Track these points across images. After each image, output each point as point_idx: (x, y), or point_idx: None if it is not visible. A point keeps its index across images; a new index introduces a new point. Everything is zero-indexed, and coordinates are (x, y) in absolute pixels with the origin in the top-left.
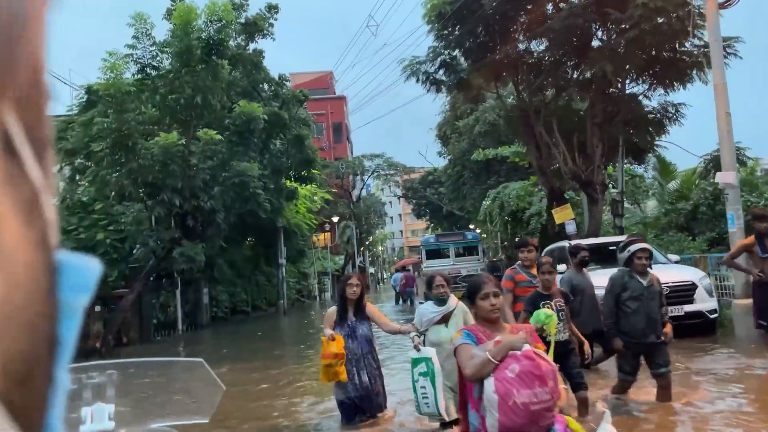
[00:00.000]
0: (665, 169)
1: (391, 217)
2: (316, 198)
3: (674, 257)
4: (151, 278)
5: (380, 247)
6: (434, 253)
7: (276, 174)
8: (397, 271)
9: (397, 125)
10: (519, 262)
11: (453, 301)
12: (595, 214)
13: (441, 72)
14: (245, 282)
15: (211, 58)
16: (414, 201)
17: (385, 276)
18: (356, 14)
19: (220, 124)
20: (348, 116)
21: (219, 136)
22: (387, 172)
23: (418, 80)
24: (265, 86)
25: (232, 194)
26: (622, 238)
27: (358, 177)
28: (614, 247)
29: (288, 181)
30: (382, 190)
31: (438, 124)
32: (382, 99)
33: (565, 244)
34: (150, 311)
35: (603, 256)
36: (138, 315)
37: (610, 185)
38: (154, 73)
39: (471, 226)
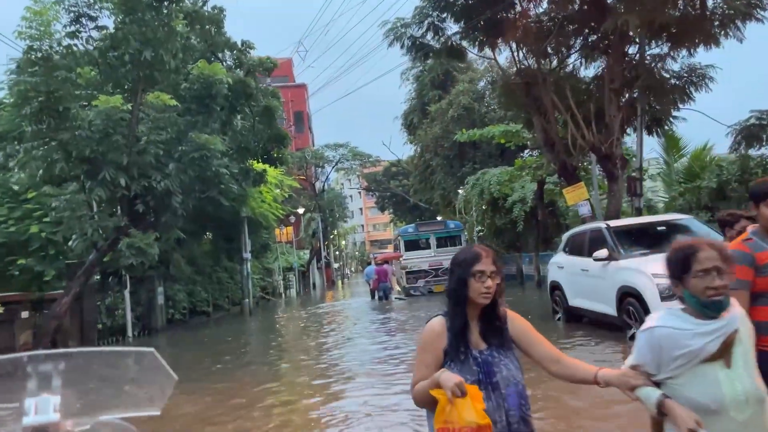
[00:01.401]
0: (673, 145)
1: (352, 212)
2: (282, 185)
3: None
4: (95, 276)
5: (343, 242)
6: (414, 244)
7: (241, 153)
8: (377, 264)
9: (359, 116)
10: (752, 228)
11: (736, 308)
12: (615, 193)
13: (429, 36)
14: (205, 279)
15: (162, 4)
16: (377, 194)
17: (348, 271)
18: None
19: (176, 90)
20: (309, 105)
21: (174, 102)
22: (352, 163)
23: (402, 46)
24: (227, 54)
25: (191, 173)
26: (673, 216)
27: (321, 169)
28: (663, 228)
29: (255, 162)
30: (342, 184)
31: (404, 112)
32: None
33: (602, 224)
34: (94, 315)
35: (650, 239)
36: (78, 320)
37: (632, 159)
38: (91, 24)
39: (438, 218)
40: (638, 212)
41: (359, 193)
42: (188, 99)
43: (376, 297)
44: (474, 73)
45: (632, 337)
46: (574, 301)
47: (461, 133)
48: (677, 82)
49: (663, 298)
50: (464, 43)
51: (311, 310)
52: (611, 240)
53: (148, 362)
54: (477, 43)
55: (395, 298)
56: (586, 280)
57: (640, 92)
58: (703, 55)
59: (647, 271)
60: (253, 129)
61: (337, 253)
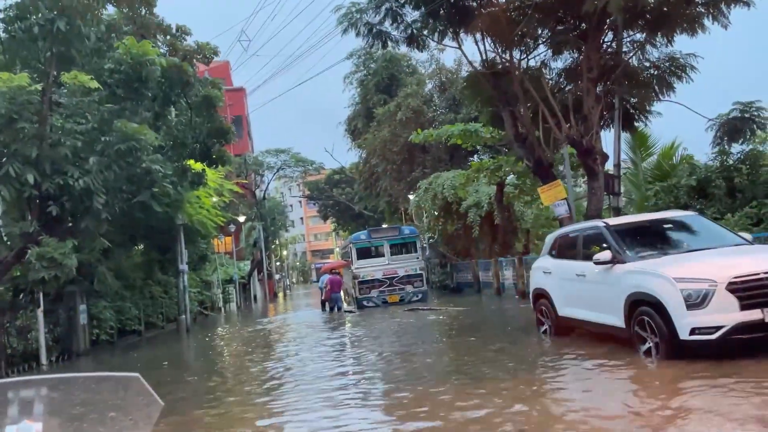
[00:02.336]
0: (642, 143)
1: (293, 221)
2: (222, 189)
3: (746, 235)
4: None
5: (285, 252)
6: (366, 252)
7: (177, 150)
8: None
9: (301, 123)
10: None
11: None
12: (596, 191)
13: (387, 24)
14: (136, 294)
15: None
16: (320, 202)
17: (289, 283)
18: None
19: (98, 72)
20: (248, 109)
21: (96, 84)
22: (294, 170)
23: (358, 33)
24: (159, 40)
25: (117, 169)
26: (676, 213)
27: (261, 177)
28: (669, 226)
29: (193, 162)
30: (282, 193)
31: (348, 117)
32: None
33: (599, 223)
34: (1, 339)
35: (656, 238)
36: None
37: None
38: None
39: (384, 226)
40: (616, 212)
41: (300, 202)
42: (113, 82)
43: (327, 308)
44: (421, 76)
45: (648, 353)
46: (566, 311)
47: (416, 134)
48: (657, 72)
49: (690, 306)
50: (425, 32)
51: (255, 326)
52: (614, 240)
53: (133, 388)
54: (438, 33)
55: (346, 311)
56: (582, 286)
57: (618, 83)
58: (685, 45)
59: (668, 274)
60: (190, 122)
61: (278, 263)
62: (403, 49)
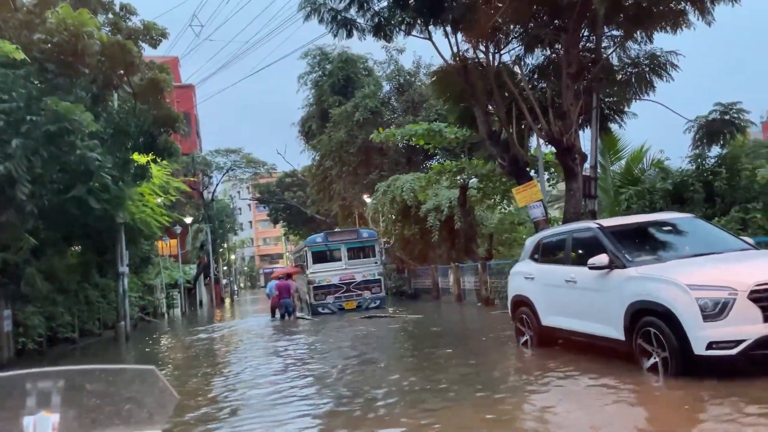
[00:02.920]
0: (611, 146)
1: (242, 224)
2: (168, 187)
3: (749, 240)
4: None
5: (233, 256)
6: (322, 255)
7: (118, 139)
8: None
9: (252, 125)
10: None
11: None
12: (575, 193)
13: (353, 11)
14: (70, 299)
15: None
16: (270, 205)
17: (236, 288)
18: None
19: (27, 45)
20: (197, 107)
21: (22, 55)
22: (244, 170)
23: (321, 20)
24: (101, 18)
25: (45, 154)
26: (672, 215)
27: (209, 177)
28: (669, 228)
29: (136, 155)
30: (231, 196)
31: (301, 118)
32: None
33: (591, 224)
34: None
35: (655, 242)
36: None
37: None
38: None
39: (341, 229)
40: (593, 215)
41: (249, 205)
42: (44, 56)
43: (278, 315)
44: (378, 78)
45: (653, 369)
46: (551, 320)
47: (377, 133)
48: (636, 70)
49: (706, 317)
50: (393, 22)
51: (200, 334)
52: (611, 244)
53: (148, 380)
54: (406, 24)
55: (298, 317)
56: (571, 293)
57: (596, 80)
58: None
59: (680, 281)
60: (134, 109)
61: (225, 268)
62: (369, 39)
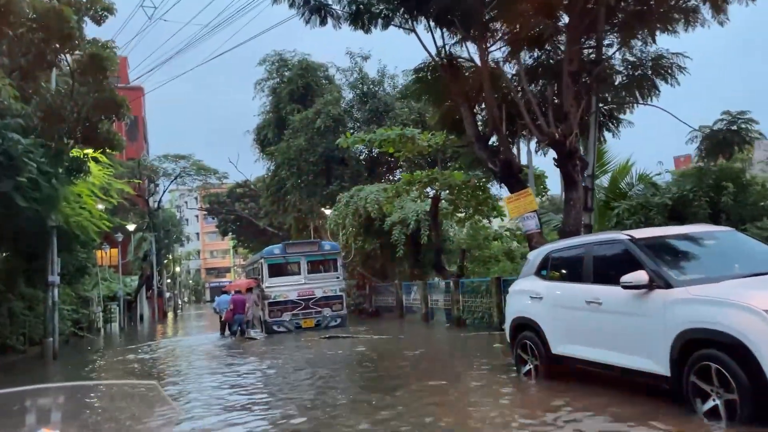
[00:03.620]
0: (598, 159)
1: (188, 236)
2: (110, 189)
3: None
4: None
5: (178, 268)
6: (280, 268)
7: (51, 125)
8: (224, 292)
9: (203, 133)
10: None
11: None
12: (575, 203)
13: None
14: None
15: None
16: (220, 216)
17: (180, 302)
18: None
19: None
20: (146, 110)
21: None
22: (194, 178)
23: (292, 4)
24: None
25: None
26: (707, 227)
27: (156, 185)
28: (712, 242)
29: (72, 147)
30: (178, 206)
31: (257, 126)
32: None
33: (620, 236)
34: None
35: (696, 258)
36: None
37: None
38: None
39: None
40: (588, 229)
41: (197, 216)
42: None
43: (227, 332)
44: (338, 87)
45: (712, 414)
46: (564, 348)
47: (344, 138)
48: (640, 72)
49: None
50: (373, 10)
51: (138, 352)
52: (649, 259)
53: (150, 395)
54: (384, 16)
55: (248, 337)
56: (594, 317)
57: (598, 80)
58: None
59: (756, 305)
60: (71, 91)
61: (170, 281)
62: (345, 27)
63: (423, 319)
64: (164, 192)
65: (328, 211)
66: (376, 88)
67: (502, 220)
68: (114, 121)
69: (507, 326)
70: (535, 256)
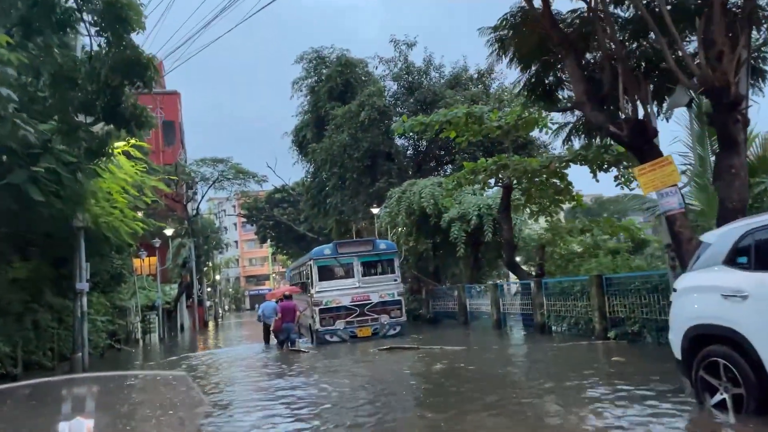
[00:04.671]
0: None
1: (227, 244)
2: (144, 187)
3: None
4: None
5: (218, 276)
6: (331, 271)
7: (62, 93)
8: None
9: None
10: None
11: None
12: (739, 171)
13: None
14: (11, 323)
15: None
16: (259, 221)
17: (221, 311)
18: None
19: None
20: (182, 115)
21: None
22: (233, 182)
23: None
24: None
25: None
26: None
27: (193, 191)
28: None
29: (90, 126)
30: (216, 214)
31: (295, 127)
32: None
33: None
34: None
35: None
36: None
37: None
38: None
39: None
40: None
41: (235, 224)
42: None
43: (272, 343)
44: (379, 82)
45: None
46: None
47: (400, 122)
48: None
49: None
50: None
51: (179, 367)
52: None
53: (180, 386)
54: None
55: (292, 349)
56: None
57: (750, 19)
58: None
59: None
60: (90, 54)
61: (209, 289)
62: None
63: (494, 325)
64: (203, 197)
65: (375, 210)
66: (423, 78)
67: (575, 210)
68: (139, 87)
69: (675, 338)
70: (722, 237)
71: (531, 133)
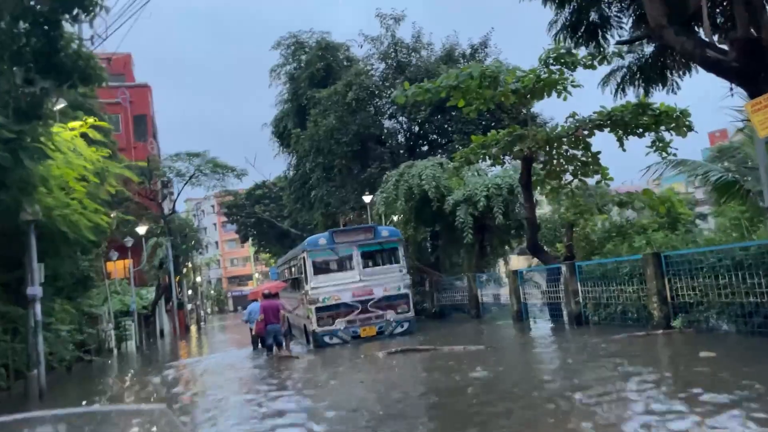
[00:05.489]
0: None
1: (207, 245)
2: (106, 175)
3: None
4: None
5: (199, 278)
6: (327, 264)
7: None
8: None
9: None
10: None
11: None
12: None
13: None
14: None
15: None
16: (239, 219)
17: (203, 313)
18: None
19: None
20: (154, 109)
21: None
22: (211, 177)
23: None
24: None
25: None
26: None
27: (169, 189)
28: None
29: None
30: (194, 215)
31: (274, 118)
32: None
33: None
34: None
35: None
36: None
37: None
38: None
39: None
40: None
41: (214, 225)
42: None
43: (260, 347)
44: (364, 65)
45: None
46: None
47: (402, 90)
48: None
49: None
50: None
51: (156, 382)
52: None
53: (161, 422)
54: None
55: (282, 356)
56: None
57: None
58: None
59: None
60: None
61: (190, 292)
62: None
63: (515, 318)
64: (179, 194)
65: (367, 198)
66: (412, 56)
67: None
68: (77, 16)
69: None
70: None
71: (533, 109)
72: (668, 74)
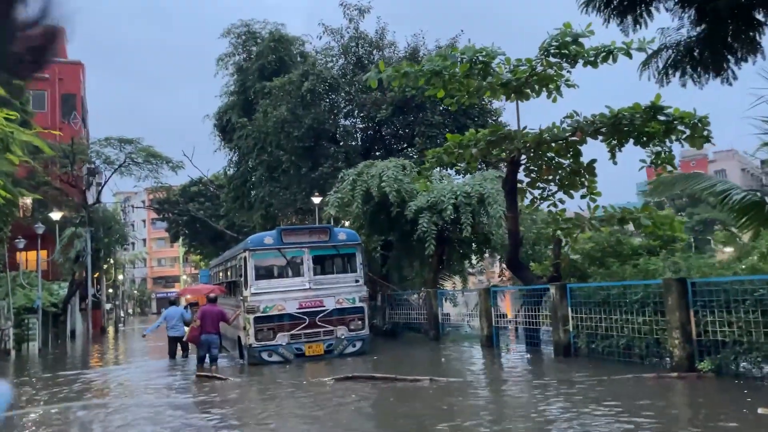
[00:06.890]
0: None
1: (134, 242)
2: (12, 142)
3: None
4: None
5: (121, 276)
6: (271, 267)
7: None
8: (172, 303)
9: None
10: None
11: None
12: None
13: None
14: None
15: None
16: (171, 216)
17: (123, 315)
18: None
19: None
20: (86, 88)
21: None
22: (144, 166)
23: None
24: None
25: None
26: None
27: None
28: None
29: None
30: (123, 209)
31: (218, 110)
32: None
33: None
34: None
35: None
36: None
37: None
38: None
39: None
40: None
41: (143, 221)
42: None
43: (179, 357)
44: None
45: None
46: None
47: (375, 72)
48: None
49: None
50: None
51: (53, 399)
52: None
53: None
54: None
55: (204, 375)
56: None
57: None
58: None
59: None
60: None
61: (110, 290)
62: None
63: (484, 343)
64: (105, 182)
65: (317, 200)
66: (374, 53)
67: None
68: None
69: None
70: None
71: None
72: (727, 57)
